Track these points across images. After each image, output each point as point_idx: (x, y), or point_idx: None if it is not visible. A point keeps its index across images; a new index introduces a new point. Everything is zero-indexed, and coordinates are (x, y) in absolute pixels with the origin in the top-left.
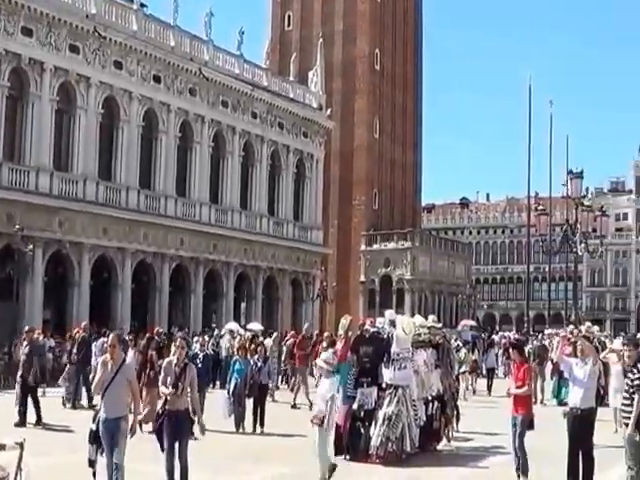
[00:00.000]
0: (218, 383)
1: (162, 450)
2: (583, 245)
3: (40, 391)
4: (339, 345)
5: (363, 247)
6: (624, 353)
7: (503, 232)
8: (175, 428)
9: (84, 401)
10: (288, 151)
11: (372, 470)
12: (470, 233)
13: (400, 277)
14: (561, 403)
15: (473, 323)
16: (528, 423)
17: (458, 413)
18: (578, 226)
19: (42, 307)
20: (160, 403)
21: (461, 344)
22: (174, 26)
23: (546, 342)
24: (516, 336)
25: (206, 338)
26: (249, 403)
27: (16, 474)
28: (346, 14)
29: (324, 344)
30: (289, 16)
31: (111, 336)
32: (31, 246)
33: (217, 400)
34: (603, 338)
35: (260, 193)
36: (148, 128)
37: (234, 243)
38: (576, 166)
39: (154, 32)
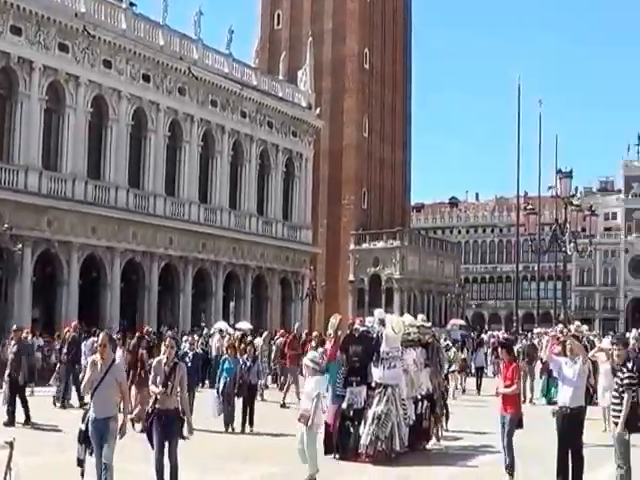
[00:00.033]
0: (207, 382)
1: (152, 448)
2: (572, 244)
3: (28, 390)
4: (328, 344)
5: (352, 246)
6: (613, 352)
7: (492, 231)
8: (165, 428)
9: (74, 401)
10: (277, 150)
11: (362, 469)
12: (459, 232)
13: (389, 276)
14: (550, 402)
15: (462, 322)
16: (517, 422)
17: (447, 412)
18: (567, 225)
19: (31, 306)
20: (150, 402)
21: (450, 343)
22: (163, 25)
23: (535, 341)
24: (505, 335)
25: (195, 337)
26: (238, 403)
27: (5, 473)
28: (335, 13)
29: (313, 343)
30: (278, 15)
31: (101, 335)
32: (20, 245)
33: (206, 399)
34: (592, 337)
35: (249, 192)
36: (137, 127)
37: (223, 242)
38: (565, 166)
39: (143, 31)
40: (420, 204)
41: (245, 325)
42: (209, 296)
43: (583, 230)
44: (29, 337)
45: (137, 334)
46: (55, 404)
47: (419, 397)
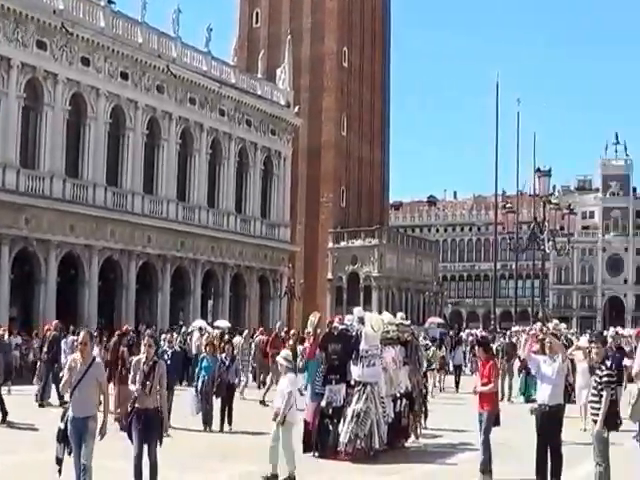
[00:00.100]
0: (186, 381)
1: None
2: (551, 243)
3: (5, 389)
4: (307, 343)
5: (330, 244)
6: (592, 350)
7: (470, 230)
8: (144, 427)
9: (53, 399)
10: (256, 148)
11: (341, 467)
12: (437, 231)
13: (367, 274)
14: (528, 400)
15: (440, 320)
16: (494, 419)
17: (426, 410)
18: (546, 224)
19: (8, 304)
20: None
21: (430, 343)
22: (142, 23)
23: (514, 339)
24: (482, 333)
25: (174, 335)
26: (217, 402)
27: None
28: (314, 11)
29: (290, 342)
30: (257, 13)
31: (82, 334)
32: None
33: (185, 398)
34: (570, 335)
35: (228, 190)
36: (115, 125)
37: (201, 240)
38: (544, 164)
39: (122, 29)
40: (398, 202)
41: (223, 323)
42: (187, 294)
43: (561, 229)
44: (6, 336)
45: (117, 332)
46: (37, 402)
47: (398, 395)
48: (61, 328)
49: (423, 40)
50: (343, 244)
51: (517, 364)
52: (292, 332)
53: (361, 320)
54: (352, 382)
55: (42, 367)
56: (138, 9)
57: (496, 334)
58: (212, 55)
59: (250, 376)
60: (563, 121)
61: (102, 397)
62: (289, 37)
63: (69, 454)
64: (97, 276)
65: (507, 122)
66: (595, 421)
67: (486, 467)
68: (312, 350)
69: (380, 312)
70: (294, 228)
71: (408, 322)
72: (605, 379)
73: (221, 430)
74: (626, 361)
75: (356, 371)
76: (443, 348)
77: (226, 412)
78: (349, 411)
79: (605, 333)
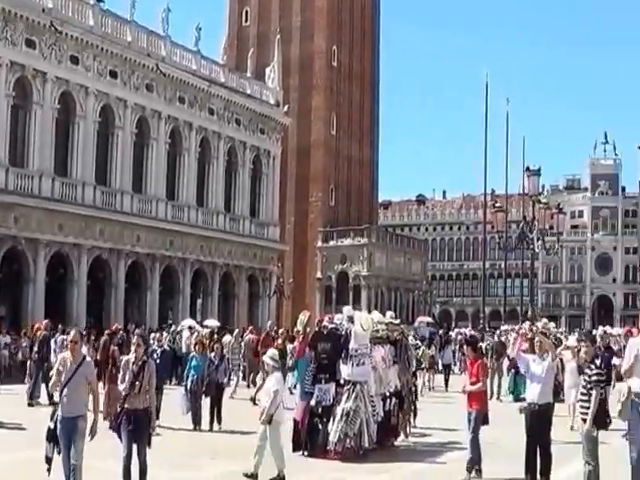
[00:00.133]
0: (175, 379)
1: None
2: (540, 242)
3: None
4: (297, 342)
5: (320, 243)
6: (581, 349)
7: (459, 229)
8: (133, 427)
9: (42, 398)
10: (245, 147)
11: (330, 466)
12: (426, 230)
13: (356, 273)
14: (517, 399)
15: (429, 319)
16: (482, 418)
17: (415, 409)
18: (535, 223)
19: None
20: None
21: (419, 342)
22: (131, 21)
23: (503, 338)
24: (471, 332)
25: (164, 334)
26: (206, 402)
27: None
28: (304, 10)
29: (279, 340)
30: (247, 12)
31: (72, 332)
32: None
33: (174, 397)
34: (559, 335)
35: (217, 189)
36: (104, 124)
37: (190, 239)
38: (533, 164)
39: (111, 27)
40: (387, 201)
41: (212, 322)
42: (176, 293)
43: (550, 228)
44: None
45: (107, 331)
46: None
47: (387, 394)
48: (51, 327)
49: (413, 39)
50: (332, 243)
51: (506, 363)
52: (281, 331)
53: (351, 319)
54: (342, 381)
55: (32, 366)
56: (127, 8)
57: (485, 333)
58: (201, 54)
59: (240, 375)
60: (552, 120)
61: (92, 396)
62: (278, 36)
63: (58, 453)
64: (86, 275)
65: (496, 121)
66: (584, 420)
67: (473, 465)
68: (302, 349)
69: (369, 311)
70: (283, 227)
71: (397, 321)
72: (595, 378)
73: (210, 429)
74: (615, 360)
75: (345, 370)
76: (432, 347)
77: (215, 411)
78: (338, 410)
79: (594, 332)
